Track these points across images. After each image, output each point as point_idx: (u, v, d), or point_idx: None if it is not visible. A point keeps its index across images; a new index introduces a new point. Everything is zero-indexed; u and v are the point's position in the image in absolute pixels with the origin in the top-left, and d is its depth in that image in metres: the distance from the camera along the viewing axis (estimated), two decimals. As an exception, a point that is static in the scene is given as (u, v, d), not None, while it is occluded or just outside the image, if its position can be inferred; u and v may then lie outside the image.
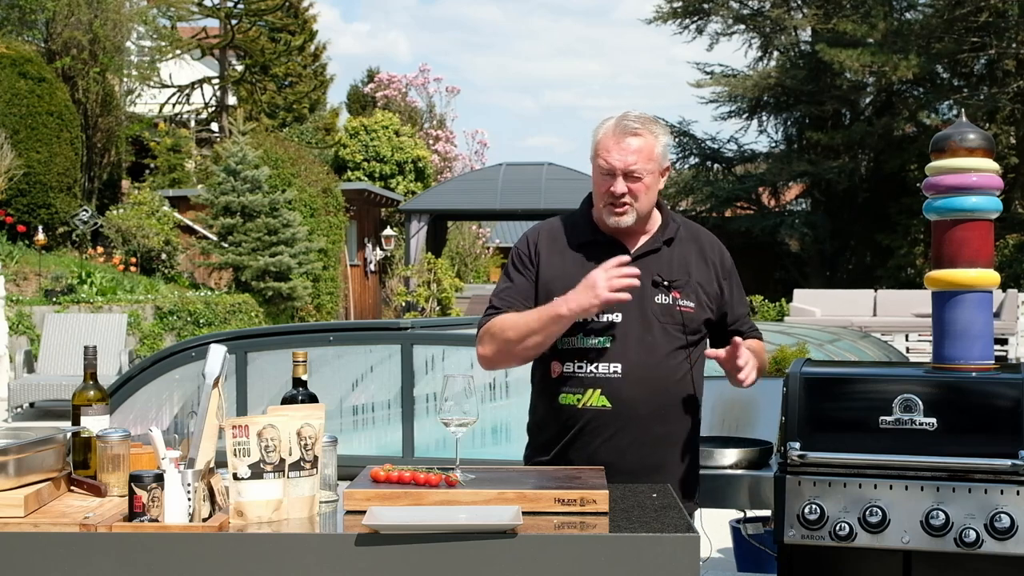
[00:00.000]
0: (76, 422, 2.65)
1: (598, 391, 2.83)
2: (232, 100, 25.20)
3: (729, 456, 3.20)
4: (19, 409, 10.94)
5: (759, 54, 30.79)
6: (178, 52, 22.49)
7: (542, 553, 2.16)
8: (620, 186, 2.83)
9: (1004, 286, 18.69)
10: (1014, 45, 25.82)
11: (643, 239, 2.93)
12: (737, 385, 2.87)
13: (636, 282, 2.72)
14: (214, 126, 25.50)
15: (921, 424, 2.83)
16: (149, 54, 21.69)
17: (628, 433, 2.83)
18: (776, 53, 30.57)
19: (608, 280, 2.70)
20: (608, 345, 2.82)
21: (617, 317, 2.83)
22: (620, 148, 2.83)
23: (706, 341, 2.99)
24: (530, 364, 2.98)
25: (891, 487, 2.83)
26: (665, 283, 2.89)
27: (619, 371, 2.82)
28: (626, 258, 2.76)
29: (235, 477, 2.30)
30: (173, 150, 22.20)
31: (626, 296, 2.72)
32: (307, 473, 2.36)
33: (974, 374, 2.92)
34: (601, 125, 2.91)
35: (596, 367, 2.82)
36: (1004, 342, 16.75)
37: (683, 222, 3.01)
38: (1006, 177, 24.65)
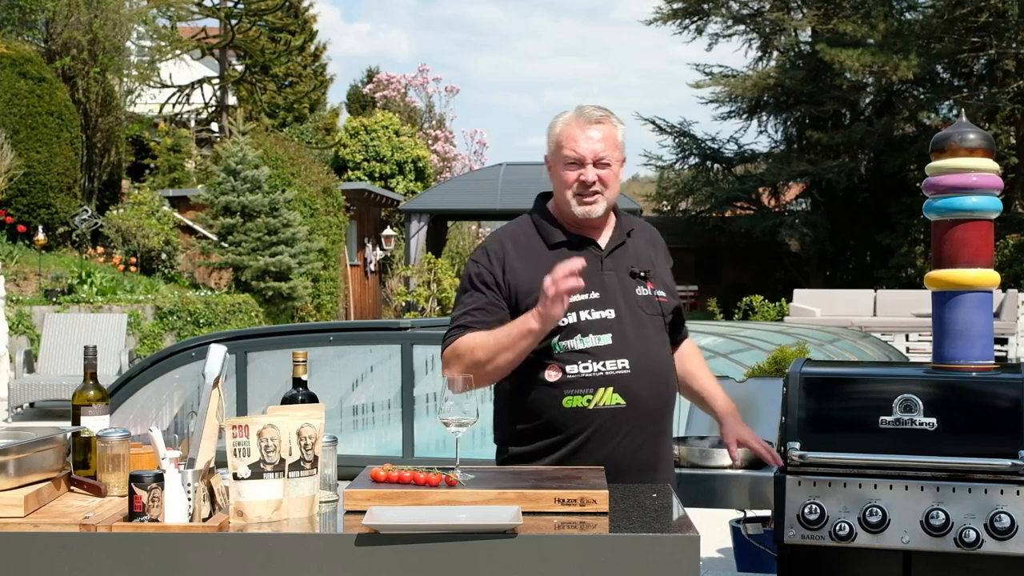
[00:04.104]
0: (76, 422, 2.65)
1: (610, 389, 2.78)
2: (232, 100, 25.20)
3: (729, 456, 3.20)
4: (19, 409, 10.94)
5: (759, 54, 30.83)
6: (178, 52, 22.49)
7: (542, 553, 2.16)
8: (591, 174, 2.82)
9: (1004, 286, 18.69)
10: (1014, 45, 25.82)
11: (608, 233, 2.92)
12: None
13: (579, 282, 2.66)
14: (214, 126, 25.50)
15: (921, 424, 2.82)
16: (149, 54, 21.69)
17: (642, 429, 2.81)
18: (776, 53, 30.60)
19: (554, 284, 2.63)
20: (611, 341, 2.79)
21: (611, 313, 2.81)
22: (587, 137, 2.82)
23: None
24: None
25: (891, 487, 2.83)
26: (641, 274, 2.90)
27: (627, 366, 2.79)
28: (578, 263, 2.67)
29: (235, 477, 2.30)
30: (173, 150, 22.19)
31: (578, 283, 2.65)
32: (307, 473, 2.36)
33: (974, 374, 2.91)
34: (558, 119, 2.90)
35: (604, 365, 2.77)
36: (1004, 342, 16.75)
37: (626, 214, 3.01)
38: (1006, 177, 24.67)
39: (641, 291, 2.88)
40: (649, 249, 2.99)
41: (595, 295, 2.81)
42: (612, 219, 2.95)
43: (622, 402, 2.78)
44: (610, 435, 2.78)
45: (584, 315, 2.79)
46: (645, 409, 2.81)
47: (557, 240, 2.87)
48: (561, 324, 2.77)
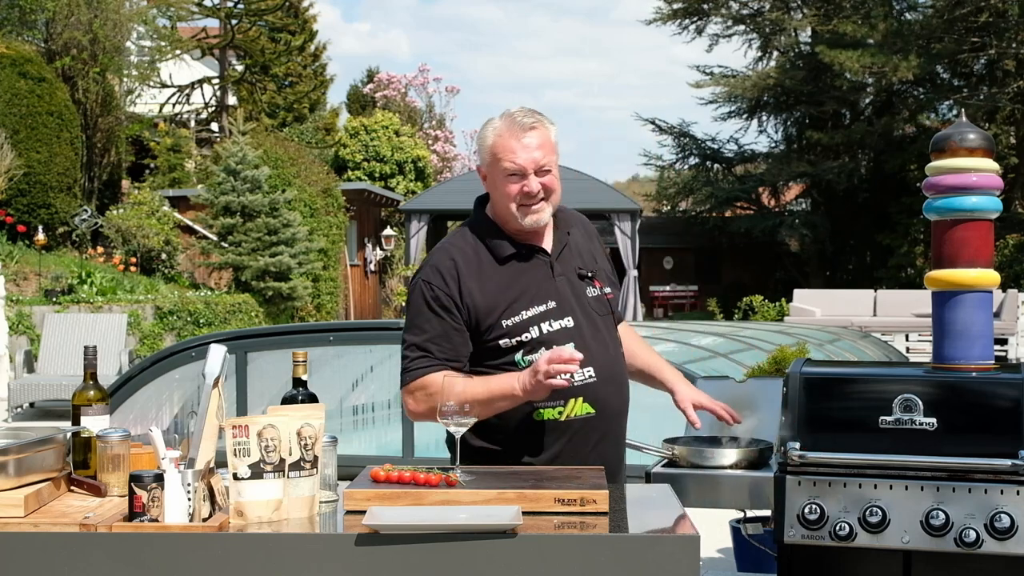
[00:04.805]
0: (76, 422, 2.65)
1: (580, 399, 2.76)
2: (232, 100, 25.21)
3: (729, 456, 3.20)
4: (19, 409, 10.94)
5: (759, 55, 30.84)
6: (178, 52, 22.49)
7: (542, 553, 2.16)
8: (534, 184, 2.73)
9: (1004, 286, 18.70)
10: (1014, 45, 25.82)
11: (550, 235, 2.86)
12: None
13: (575, 370, 2.61)
14: (214, 126, 25.51)
15: (921, 424, 2.82)
16: (149, 54, 21.69)
17: (609, 435, 2.82)
18: (776, 54, 30.62)
19: (548, 369, 2.56)
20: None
21: (569, 321, 2.78)
22: (524, 146, 2.73)
23: None
24: None
25: (891, 487, 2.83)
26: (589, 275, 2.87)
27: (593, 374, 2.77)
28: (578, 356, 2.59)
29: (235, 477, 2.30)
30: (173, 150, 22.20)
31: (568, 382, 2.62)
32: (307, 473, 2.36)
33: (974, 374, 2.91)
34: (488, 129, 2.79)
35: (572, 376, 2.70)
36: (1004, 342, 16.76)
37: (561, 209, 2.93)
38: (1006, 177, 24.67)
39: (591, 292, 2.87)
40: (587, 241, 2.96)
41: (552, 304, 2.77)
42: (551, 219, 2.87)
43: (592, 411, 2.78)
44: (582, 444, 2.77)
45: (545, 327, 2.75)
46: (612, 414, 2.82)
47: (506, 254, 2.79)
48: (524, 339, 2.73)
